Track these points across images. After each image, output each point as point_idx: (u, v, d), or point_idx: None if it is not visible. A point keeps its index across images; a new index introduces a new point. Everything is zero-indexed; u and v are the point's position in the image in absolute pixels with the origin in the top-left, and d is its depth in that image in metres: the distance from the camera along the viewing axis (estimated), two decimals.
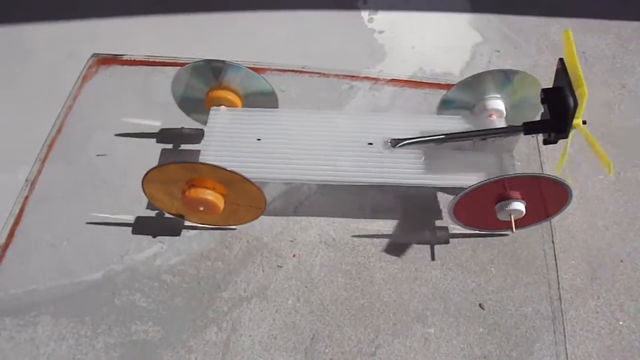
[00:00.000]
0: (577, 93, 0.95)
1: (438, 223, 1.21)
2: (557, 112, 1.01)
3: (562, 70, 0.99)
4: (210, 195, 1.04)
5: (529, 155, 1.31)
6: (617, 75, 1.49)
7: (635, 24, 1.62)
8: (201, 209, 1.07)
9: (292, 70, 1.43)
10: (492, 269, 1.16)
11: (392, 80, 1.41)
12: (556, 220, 1.21)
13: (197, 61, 1.16)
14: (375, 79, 1.41)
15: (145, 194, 1.09)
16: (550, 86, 1.04)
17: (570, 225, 1.23)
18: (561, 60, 1.00)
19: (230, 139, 1.12)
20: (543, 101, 1.03)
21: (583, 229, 1.22)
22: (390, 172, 1.09)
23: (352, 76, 1.41)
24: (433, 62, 1.45)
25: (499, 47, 1.49)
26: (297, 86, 1.40)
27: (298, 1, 1.60)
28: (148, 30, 1.58)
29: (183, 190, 1.05)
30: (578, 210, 1.24)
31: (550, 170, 1.29)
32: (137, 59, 1.49)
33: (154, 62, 1.48)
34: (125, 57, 1.50)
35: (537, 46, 1.54)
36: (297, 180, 1.08)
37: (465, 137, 1.11)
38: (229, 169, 1.00)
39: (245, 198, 1.08)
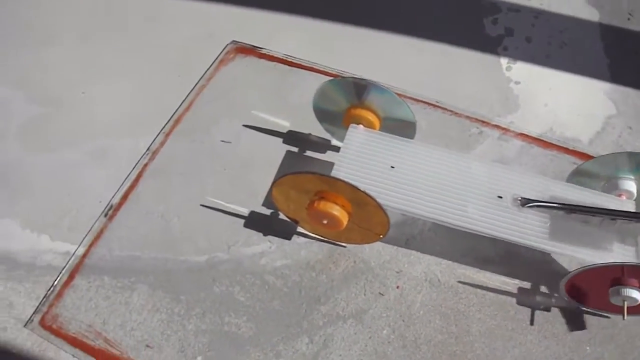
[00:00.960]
0: None
1: (543, 289, 1.19)
2: None
3: None
4: (338, 211, 1.04)
5: None
6: None
7: None
8: (324, 222, 1.07)
9: (425, 102, 1.42)
10: (588, 347, 1.14)
11: (522, 134, 1.39)
12: None
13: (345, 77, 1.17)
14: (505, 130, 1.39)
15: (272, 195, 1.10)
16: None
17: None
18: None
19: (365, 160, 1.13)
20: None
21: None
22: (515, 230, 1.08)
23: (484, 121, 1.40)
24: (564, 124, 1.43)
25: (632, 123, 1.46)
26: (427, 119, 1.39)
27: (442, 34, 1.59)
28: (288, 28, 1.60)
29: (312, 201, 1.06)
30: None
31: None
32: (275, 55, 1.50)
33: (291, 62, 1.49)
34: (263, 51, 1.51)
35: None
36: (424, 217, 1.07)
37: (597, 213, 1.09)
38: (365, 191, 1.00)
39: (368, 221, 1.08)
